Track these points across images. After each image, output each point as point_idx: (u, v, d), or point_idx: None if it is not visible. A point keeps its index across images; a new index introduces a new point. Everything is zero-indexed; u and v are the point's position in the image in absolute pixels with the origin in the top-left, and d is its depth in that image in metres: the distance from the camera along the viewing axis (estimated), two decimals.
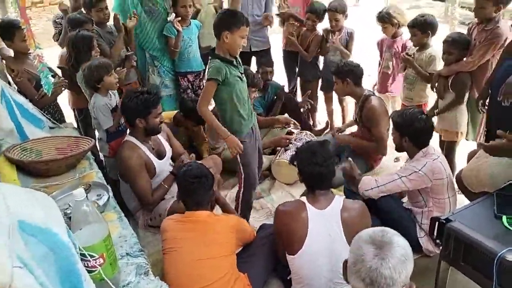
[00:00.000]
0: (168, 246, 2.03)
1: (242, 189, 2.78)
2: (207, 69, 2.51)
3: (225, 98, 2.51)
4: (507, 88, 2.37)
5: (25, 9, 2.10)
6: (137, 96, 2.53)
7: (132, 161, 2.53)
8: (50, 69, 2.91)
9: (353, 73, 3.09)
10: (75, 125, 3.10)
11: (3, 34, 2.95)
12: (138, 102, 2.51)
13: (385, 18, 3.51)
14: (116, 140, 2.97)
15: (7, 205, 1.04)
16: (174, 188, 2.63)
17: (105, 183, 2.18)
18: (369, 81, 3.90)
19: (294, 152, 3.40)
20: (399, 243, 1.26)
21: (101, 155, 3.11)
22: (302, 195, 2.90)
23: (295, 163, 2.26)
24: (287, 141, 3.48)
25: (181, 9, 3.61)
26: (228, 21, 2.41)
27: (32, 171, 2.16)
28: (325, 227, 1.96)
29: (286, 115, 3.92)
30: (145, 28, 3.60)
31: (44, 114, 2.81)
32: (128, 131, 2.80)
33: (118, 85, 2.91)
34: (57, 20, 4.25)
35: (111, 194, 2.05)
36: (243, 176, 2.73)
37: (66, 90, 3.33)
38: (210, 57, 2.51)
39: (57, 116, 3.12)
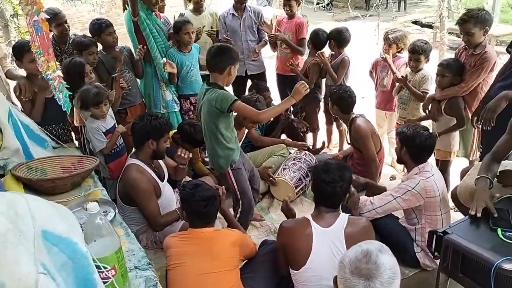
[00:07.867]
0: (173, 262, 2.05)
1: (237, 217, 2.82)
2: (209, 99, 2.56)
3: (225, 126, 2.63)
4: (486, 114, 2.48)
5: (49, 34, 2.15)
6: (154, 119, 2.64)
7: (143, 184, 2.57)
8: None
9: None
10: (82, 142, 3.12)
11: (16, 55, 3.04)
12: (155, 124, 2.62)
13: (394, 39, 3.60)
14: (115, 162, 3.01)
15: (32, 215, 1.09)
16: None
17: (111, 200, 2.23)
18: (362, 103, 3.99)
19: (292, 172, 3.48)
20: (385, 265, 1.29)
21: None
22: None
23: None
24: (268, 175, 3.45)
25: (184, 36, 3.67)
26: (232, 56, 2.61)
27: (39, 189, 2.19)
28: (328, 245, 1.98)
29: (284, 135, 3.99)
30: (155, 47, 3.64)
31: (48, 133, 2.86)
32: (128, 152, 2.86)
33: (105, 115, 2.94)
34: None
35: (117, 211, 2.10)
36: (241, 205, 2.81)
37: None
38: (208, 87, 2.60)
39: (63, 137, 3.15)
